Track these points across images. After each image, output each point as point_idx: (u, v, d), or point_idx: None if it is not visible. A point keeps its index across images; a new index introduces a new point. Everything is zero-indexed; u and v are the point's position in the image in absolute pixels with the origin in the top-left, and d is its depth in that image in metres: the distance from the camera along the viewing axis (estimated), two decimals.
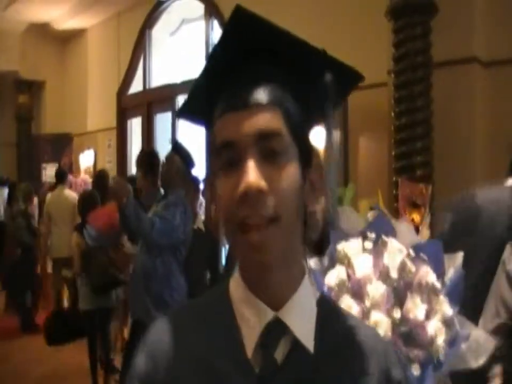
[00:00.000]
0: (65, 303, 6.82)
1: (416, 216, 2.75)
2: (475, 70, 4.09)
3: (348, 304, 1.23)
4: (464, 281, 1.38)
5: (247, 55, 0.67)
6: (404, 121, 3.88)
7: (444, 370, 1.29)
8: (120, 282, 3.94)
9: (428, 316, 1.27)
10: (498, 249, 1.61)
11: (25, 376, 4.51)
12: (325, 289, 1.26)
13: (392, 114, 4.01)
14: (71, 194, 6.31)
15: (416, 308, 1.25)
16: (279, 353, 0.66)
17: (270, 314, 0.67)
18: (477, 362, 1.31)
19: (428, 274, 1.29)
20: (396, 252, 1.29)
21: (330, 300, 0.75)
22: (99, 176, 5.66)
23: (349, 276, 1.28)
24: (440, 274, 1.35)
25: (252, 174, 0.61)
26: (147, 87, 7.93)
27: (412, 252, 1.32)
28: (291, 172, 0.64)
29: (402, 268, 1.28)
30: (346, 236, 1.34)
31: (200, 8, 6.96)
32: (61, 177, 6.48)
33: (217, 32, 6.75)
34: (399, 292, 1.28)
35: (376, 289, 1.24)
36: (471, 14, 4.05)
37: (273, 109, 0.64)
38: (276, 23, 0.67)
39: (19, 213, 6.10)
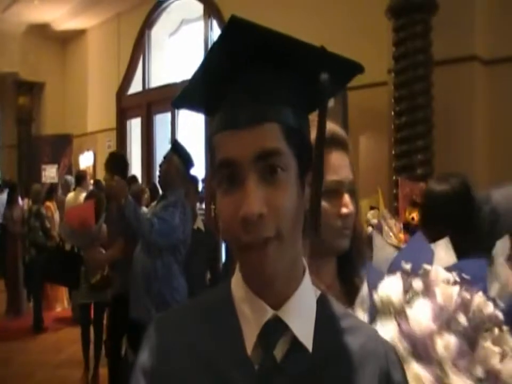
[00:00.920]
0: (66, 303, 6.84)
1: (416, 216, 2.74)
2: (475, 68, 4.09)
3: (416, 373, 0.86)
4: None
5: (244, 66, 0.66)
6: (404, 120, 3.88)
7: None
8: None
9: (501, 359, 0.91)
10: None
11: (27, 379, 4.51)
12: None
13: (392, 113, 4.01)
14: None
15: (493, 356, 0.89)
16: (278, 352, 0.67)
17: (269, 312, 0.67)
18: None
19: (486, 304, 0.94)
20: (445, 284, 0.94)
21: (331, 299, 0.74)
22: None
23: (403, 332, 0.91)
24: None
25: (253, 199, 0.62)
26: (147, 87, 7.94)
27: (455, 277, 0.96)
28: (291, 189, 0.65)
29: (478, 307, 0.92)
30: (381, 275, 0.98)
31: (200, 9, 6.98)
32: (79, 180, 6.63)
33: (216, 32, 6.76)
34: (469, 338, 0.91)
35: (448, 344, 0.88)
36: (472, 12, 4.05)
37: (273, 126, 0.64)
38: (276, 24, 0.65)
39: (32, 213, 6.09)
